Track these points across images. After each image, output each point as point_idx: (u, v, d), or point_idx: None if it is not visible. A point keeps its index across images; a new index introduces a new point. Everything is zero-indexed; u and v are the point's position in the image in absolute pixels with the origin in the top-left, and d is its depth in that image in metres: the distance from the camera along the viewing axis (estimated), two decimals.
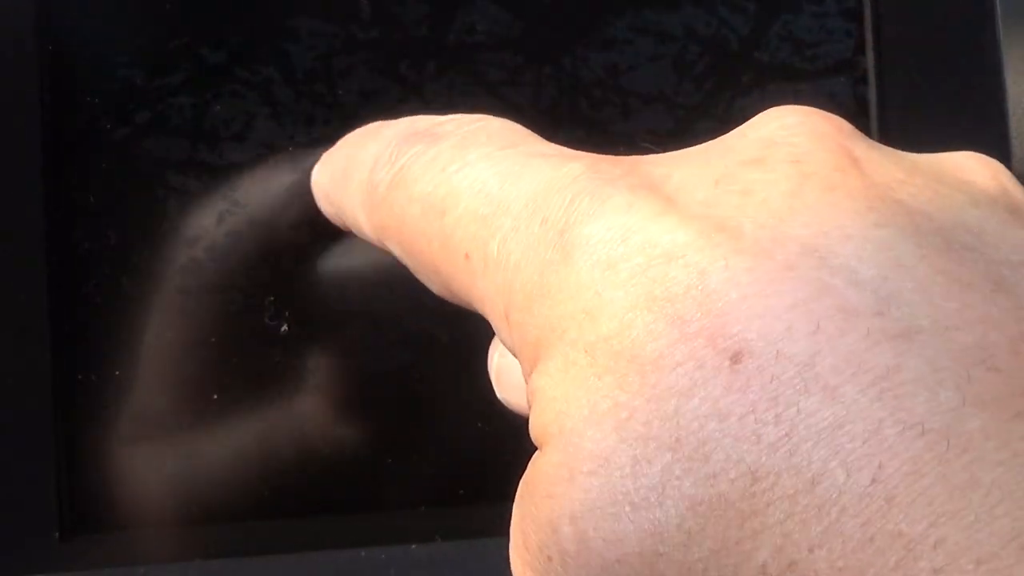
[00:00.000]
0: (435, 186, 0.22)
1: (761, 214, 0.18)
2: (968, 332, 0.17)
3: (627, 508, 0.17)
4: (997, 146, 0.35)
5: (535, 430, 0.19)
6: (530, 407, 0.19)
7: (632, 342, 0.18)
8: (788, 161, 0.19)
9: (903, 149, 0.21)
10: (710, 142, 0.21)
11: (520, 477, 0.19)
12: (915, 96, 0.35)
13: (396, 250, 0.24)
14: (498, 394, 0.29)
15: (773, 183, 0.19)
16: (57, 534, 0.31)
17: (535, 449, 0.19)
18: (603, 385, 0.18)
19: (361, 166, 0.25)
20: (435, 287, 0.23)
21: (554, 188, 0.20)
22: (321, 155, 0.29)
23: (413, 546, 0.31)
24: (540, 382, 0.19)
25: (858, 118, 0.35)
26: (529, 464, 0.19)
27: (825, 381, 0.16)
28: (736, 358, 0.17)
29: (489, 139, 0.22)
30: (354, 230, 0.26)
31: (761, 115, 0.21)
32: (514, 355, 0.21)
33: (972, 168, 0.20)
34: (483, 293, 0.21)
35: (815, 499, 0.16)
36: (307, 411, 0.32)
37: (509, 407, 0.27)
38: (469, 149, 0.22)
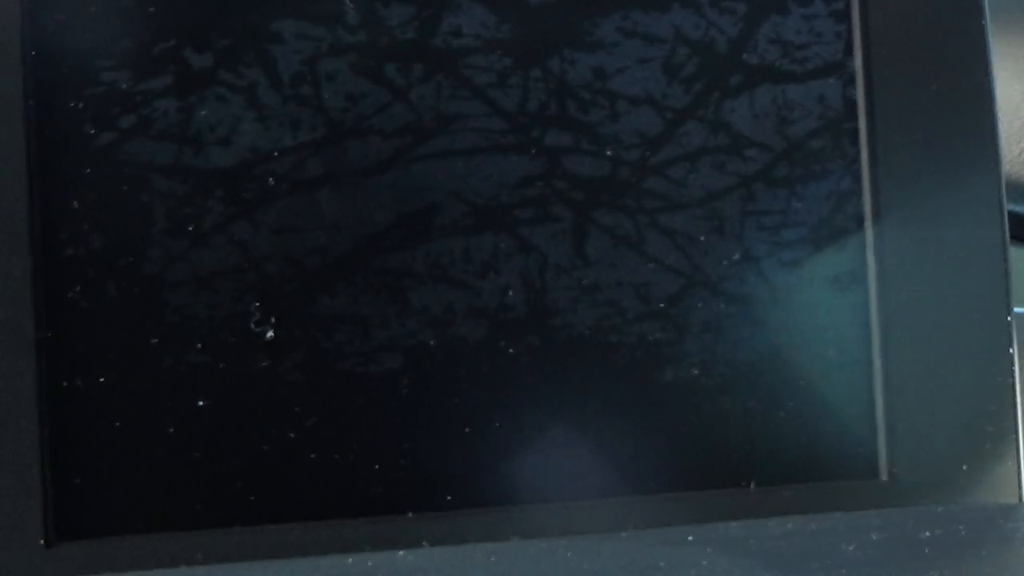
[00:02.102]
0: None
1: None
2: None
3: None
4: (985, 146, 0.35)
5: None
6: None
7: None
8: None
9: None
10: None
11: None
12: (904, 97, 0.35)
13: None
14: None
15: None
16: (42, 541, 0.30)
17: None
18: None
19: None
20: None
21: None
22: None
23: (400, 552, 0.31)
24: None
25: (846, 119, 0.35)
26: None
27: None
28: None
29: None
30: None
31: None
32: None
33: None
34: None
35: None
36: (293, 417, 0.32)
37: None
38: None
